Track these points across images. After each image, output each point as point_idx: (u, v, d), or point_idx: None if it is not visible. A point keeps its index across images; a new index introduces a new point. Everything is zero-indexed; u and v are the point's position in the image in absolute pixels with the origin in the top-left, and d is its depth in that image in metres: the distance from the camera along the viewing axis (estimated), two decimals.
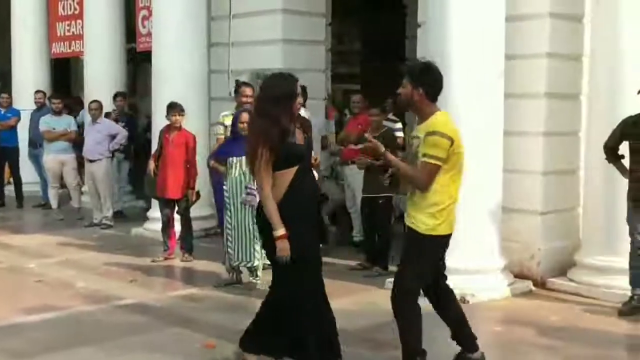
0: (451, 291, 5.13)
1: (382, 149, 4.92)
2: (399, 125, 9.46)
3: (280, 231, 4.67)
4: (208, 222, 9.87)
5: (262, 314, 5.05)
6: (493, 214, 7.09)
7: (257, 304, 6.50)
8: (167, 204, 8.66)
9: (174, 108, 8.56)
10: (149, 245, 9.55)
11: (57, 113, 11.47)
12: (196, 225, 9.62)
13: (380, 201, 8.12)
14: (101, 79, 12.20)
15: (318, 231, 5.28)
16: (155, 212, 10.09)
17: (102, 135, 10.70)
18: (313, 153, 5.56)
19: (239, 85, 8.40)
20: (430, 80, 4.78)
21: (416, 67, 4.93)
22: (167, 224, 8.70)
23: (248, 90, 8.04)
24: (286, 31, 10.03)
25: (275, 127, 4.71)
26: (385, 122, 8.72)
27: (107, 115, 11.18)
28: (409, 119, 10.00)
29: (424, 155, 4.64)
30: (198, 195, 8.65)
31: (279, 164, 4.73)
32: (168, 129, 8.63)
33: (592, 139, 7.24)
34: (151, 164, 8.73)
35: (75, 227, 10.90)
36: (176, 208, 8.65)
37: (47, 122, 11.42)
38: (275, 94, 4.84)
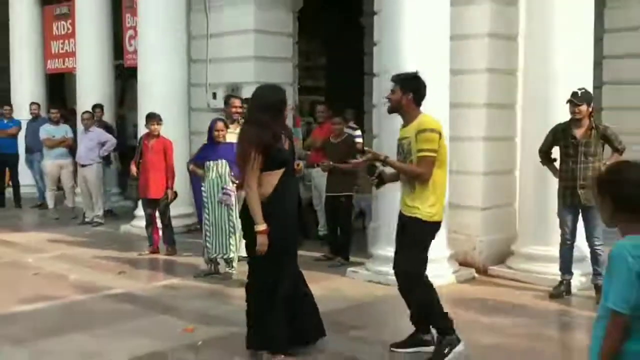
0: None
1: (382, 155, 5.01)
2: (359, 132, 9.52)
3: (262, 226, 4.70)
4: (189, 219, 9.83)
5: (252, 309, 5.02)
6: None
7: (232, 291, 6.62)
8: (149, 204, 8.64)
9: (152, 118, 8.55)
10: (136, 241, 9.47)
11: (56, 122, 11.48)
12: (178, 222, 9.60)
13: (342, 199, 8.15)
14: (92, 92, 12.06)
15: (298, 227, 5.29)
16: (141, 210, 10.04)
17: (94, 143, 10.67)
18: (296, 159, 5.58)
19: (229, 97, 8.38)
20: (417, 87, 4.93)
21: (405, 76, 5.05)
22: (150, 221, 8.68)
23: (237, 102, 7.99)
24: (258, 49, 10.02)
25: (267, 132, 4.75)
26: (346, 130, 8.76)
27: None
28: (368, 126, 10.07)
29: (420, 150, 4.74)
30: (175, 194, 8.61)
31: (268, 165, 4.76)
32: (147, 136, 8.62)
33: (526, 143, 7.34)
34: (133, 169, 8.79)
35: (69, 225, 10.80)
36: (158, 206, 8.61)
37: (48, 131, 11.41)
38: (266, 103, 4.88)
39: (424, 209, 4.80)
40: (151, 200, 8.58)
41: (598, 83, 9.43)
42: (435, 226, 4.91)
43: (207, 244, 7.30)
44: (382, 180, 5.15)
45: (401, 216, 5.00)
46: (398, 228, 5.06)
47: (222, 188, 7.13)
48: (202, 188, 7.30)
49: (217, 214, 7.20)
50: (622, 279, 2.43)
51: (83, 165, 10.71)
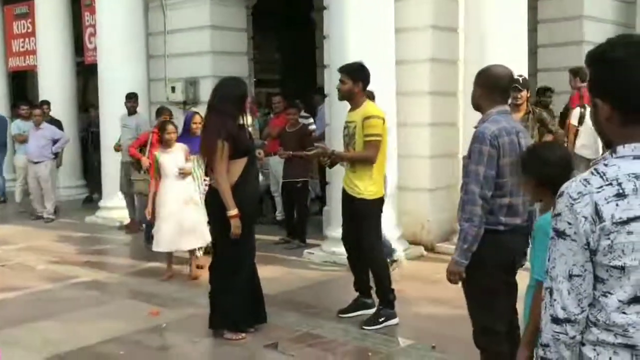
0: None
1: (329, 150, 5.35)
2: (311, 119, 9.52)
3: (234, 211, 4.75)
4: None
5: (215, 290, 5.04)
6: (390, 192, 7.20)
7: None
8: None
9: (163, 112, 8.07)
10: (101, 231, 9.38)
11: (26, 118, 10.95)
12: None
13: (298, 185, 8.17)
14: (53, 89, 11.82)
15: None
16: (106, 201, 9.92)
17: (46, 140, 10.25)
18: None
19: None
20: (365, 77, 5.19)
21: (354, 67, 5.25)
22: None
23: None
24: (214, 44, 9.96)
25: (232, 122, 4.78)
26: (300, 119, 8.76)
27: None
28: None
29: (367, 135, 5.02)
30: None
31: (234, 154, 4.80)
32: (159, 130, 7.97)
33: (467, 129, 7.40)
34: (145, 161, 7.91)
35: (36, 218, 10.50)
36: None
37: (19, 127, 11.02)
38: (230, 94, 4.92)
39: (367, 189, 5.09)
40: None
41: (533, 70, 9.61)
42: (379, 201, 5.20)
43: None
44: (333, 161, 5.41)
45: (346, 194, 5.25)
46: (344, 203, 5.30)
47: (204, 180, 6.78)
48: None
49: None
50: (545, 250, 2.51)
51: (35, 162, 10.21)
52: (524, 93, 6.48)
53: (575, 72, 8.09)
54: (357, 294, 5.48)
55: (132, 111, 9.16)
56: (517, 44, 7.21)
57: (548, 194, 2.60)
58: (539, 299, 2.52)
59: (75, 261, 7.67)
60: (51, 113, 11.09)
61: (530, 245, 2.69)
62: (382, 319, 5.15)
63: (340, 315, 5.38)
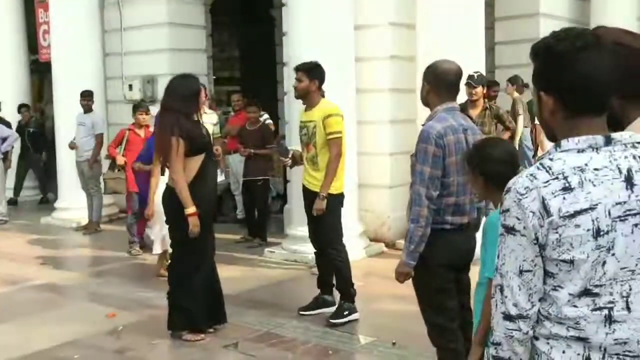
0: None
1: (302, 160, 5.33)
2: (266, 116, 9.44)
3: (192, 209, 4.70)
4: (110, 209, 9.61)
5: (174, 291, 4.98)
6: (351, 189, 7.20)
7: (153, 276, 6.50)
8: (141, 198, 7.60)
9: (140, 108, 7.87)
10: (56, 233, 9.19)
11: None
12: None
13: (259, 183, 8.12)
14: (7, 87, 11.54)
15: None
16: (61, 202, 9.72)
17: None
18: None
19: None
20: (321, 75, 5.26)
21: (310, 66, 5.29)
22: (140, 217, 7.61)
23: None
24: (172, 41, 9.84)
25: (186, 119, 4.73)
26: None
27: None
28: (282, 113, 10.05)
29: (330, 133, 5.11)
30: None
31: (189, 151, 4.75)
32: (135, 127, 7.85)
33: None
34: (120, 159, 7.78)
35: None
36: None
37: None
38: (183, 92, 4.86)
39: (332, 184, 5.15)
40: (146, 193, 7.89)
41: (491, 67, 9.74)
42: (341, 197, 5.29)
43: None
44: (295, 161, 5.49)
45: (307, 191, 5.26)
46: (306, 200, 5.30)
47: None
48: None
49: None
50: (496, 247, 2.54)
51: None
52: (480, 89, 6.56)
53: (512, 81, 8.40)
54: (318, 291, 5.48)
55: (87, 109, 8.98)
56: (474, 40, 7.28)
57: (494, 190, 2.62)
58: (490, 295, 2.59)
59: (30, 263, 7.50)
60: (3, 113, 10.80)
61: (481, 242, 2.70)
62: (346, 312, 5.19)
63: (301, 313, 5.39)
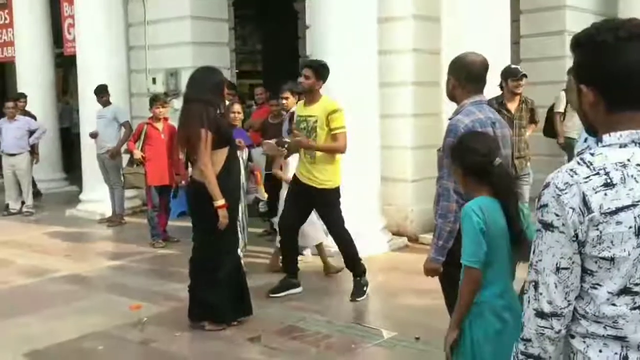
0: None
1: (306, 139, 5.41)
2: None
3: (222, 201, 4.72)
4: (133, 202, 9.66)
5: (196, 282, 4.98)
6: (374, 183, 7.19)
7: (176, 269, 6.51)
8: (161, 191, 7.76)
9: (157, 100, 7.80)
10: (81, 224, 9.25)
11: None
12: (125, 205, 9.44)
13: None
14: (33, 81, 11.65)
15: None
16: (87, 194, 9.78)
17: (22, 131, 9.98)
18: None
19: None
20: (327, 76, 5.50)
21: (320, 64, 5.54)
22: (160, 209, 7.81)
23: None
24: (195, 35, 9.83)
25: (212, 111, 4.71)
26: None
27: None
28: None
29: (336, 128, 5.35)
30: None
31: (216, 143, 4.73)
32: (153, 120, 7.76)
33: None
34: (137, 153, 7.70)
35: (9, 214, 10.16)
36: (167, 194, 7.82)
37: None
38: (208, 83, 4.85)
39: (329, 178, 5.45)
40: (164, 187, 7.73)
41: (516, 61, 9.60)
42: (339, 189, 5.57)
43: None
44: (289, 151, 5.76)
45: (302, 184, 5.48)
46: (297, 192, 5.51)
47: (248, 178, 6.39)
48: None
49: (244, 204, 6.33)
50: (470, 236, 2.57)
51: (11, 155, 9.94)
52: (524, 82, 6.47)
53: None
54: (344, 282, 5.59)
55: (104, 104, 9.02)
56: (500, 33, 7.18)
57: (472, 181, 2.70)
58: (465, 282, 2.61)
59: (55, 255, 7.55)
60: (29, 105, 10.86)
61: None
62: (365, 287, 5.62)
63: (271, 295, 5.64)
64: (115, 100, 9.25)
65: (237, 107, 6.72)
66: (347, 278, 6.11)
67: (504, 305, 2.62)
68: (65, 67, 14.05)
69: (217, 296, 4.88)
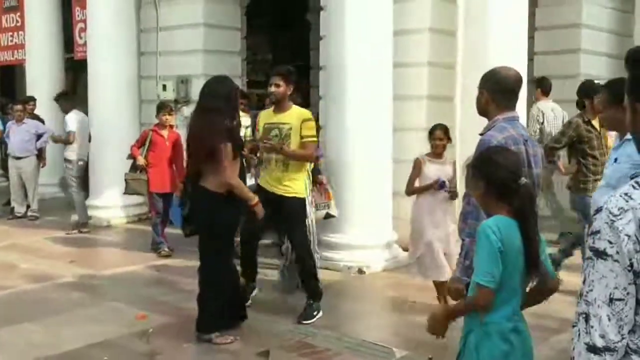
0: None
1: (279, 146, 5.32)
2: None
3: (256, 197, 4.89)
4: (140, 209, 9.59)
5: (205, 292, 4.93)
6: (385, 197, 7.11)
7: (181, 279, 6.43)
8: (165, 198, 7.69)
9: (163, 108, 7.78)
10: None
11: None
12: (131, 211, 9.38)
13: None
14: (41, 84, 11.60)
15: None
16: (94, 200, 9.71)
17: (30, 134, 9.95)
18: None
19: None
20: (296, 81, 5.55)
21: (290, 71, 5.51)
22: (164, 217, 7.75)
23: None
24: (206, 43, 9.79)
25: (230, 121, 4.70)
26: None
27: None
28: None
29: (307, 136, 5.34)
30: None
31: (233, 153, 4.73)
32: (159, 127, 7.76)
33: (463, 134, 7.32)
34: (141, 160, 7.66)
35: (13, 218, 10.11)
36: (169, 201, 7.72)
37: None
38: (224, 93, 4.84)
39: (299, 187, 5.37)
40: (167, 194, 7.67)
41: (531, 77, 9.54)
42: (305, 202, 5.48)
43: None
44: (273, 149, 5.52)
45: (271, 194, 5.31)
46: (270, 207, 5.17)
47: (311, 190, 6.01)
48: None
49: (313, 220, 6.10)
50: (487, 254, 2.51)
51: (18, 158, 9.91)
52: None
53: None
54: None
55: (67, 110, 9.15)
56: (516, 49, 7.11)
57: (493, 198, 2.62)
58: (477, 300, 2.57)
59: (59, 260, 7.48)
60: (38, 108, 10.81)
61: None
62: (316, 312, 5.37)
63: (303, 322, 5.33)
64: (125, 106, 9.24)
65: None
66: (359, 294, 6.04)
67: (512, 328, 2.58)
68: (74, 71, 14.02)
69: (221, 303, 4.88)
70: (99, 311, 5.71)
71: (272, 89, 5.38)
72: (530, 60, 9.33)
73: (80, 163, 9.14)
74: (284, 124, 5.36)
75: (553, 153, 6.58)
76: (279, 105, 5.42)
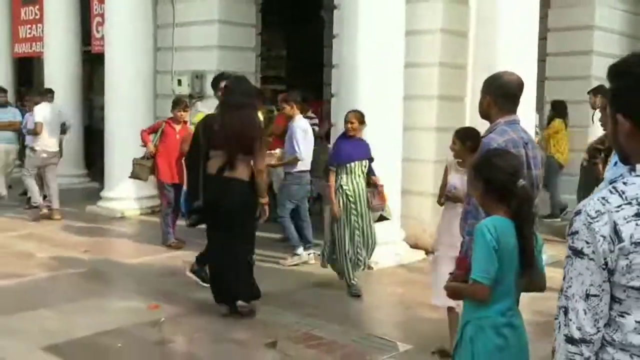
0: None
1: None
2: (316, 120, 9.52)
3: (267, 198, 5.52)
4: (153, 201, 9.75)
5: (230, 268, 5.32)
6: (394, 195, 7.19)
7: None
8: (175, 189, 7.82)
9: (179, 104, 7.94)
10: (101, 221, 9.36)
11: (2, 106, 10.50)
12: (144, 203, 9.53)
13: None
14: (59, 76, 11.79)
15: None
16: (108, 192, 9.88)
17: None
18: None
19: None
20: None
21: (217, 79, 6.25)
22: (175, 207, 7.89)
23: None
24: (221, 39, 9.93)
25: (258, 117, 5.11)
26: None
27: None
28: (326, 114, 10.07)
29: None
30: None
31: None
32: (172, 121, 7.92)
33: None
34: (151, 146, 7.84)
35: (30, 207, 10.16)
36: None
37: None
38: (252, 91, 5.38)
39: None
40: (177, 185, 7.79)
41: (542, 78, 9.60)
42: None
43: (358, 252, 6.08)
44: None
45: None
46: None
47: (370, 192, 6.05)
48: (347, 191, 5.97)
49: (366, 220, 6.06)
50: (483, 252, 2.62)
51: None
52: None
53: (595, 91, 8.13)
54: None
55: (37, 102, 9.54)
56: (527, 51, 7.17)
57: (492, 198, 2.73)
58: (473, 295, 2.69)
59: (73, 250, 7.64)
60: (55, 101, 10.96)
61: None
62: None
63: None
64: (141, 101, 9.42)
65: (354, 115, 6.18)
66: (366, 289, 6.15)
67: (505, 322, 2.69)
68: (91, 64, 14.21)
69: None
70: (111, 300, 5.88)
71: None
72: (542, 61, 9.39)
73: (44, 155, 9.40)
74: None
75: (595, 154, 6.67)
76: None
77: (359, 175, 5.99)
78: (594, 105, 8.37)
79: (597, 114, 8.29)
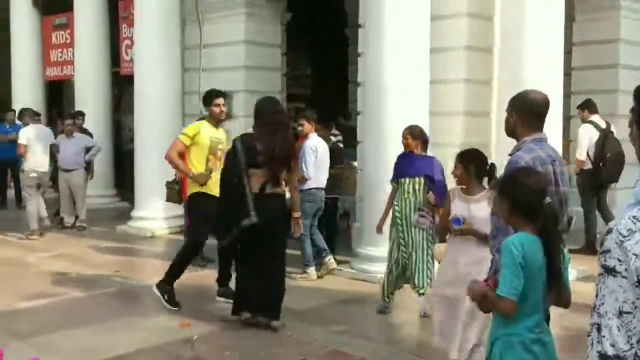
0: None
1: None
2: (340, 137, 9.59)
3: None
4: (181, 220, 9.83)
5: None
6: None
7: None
8: None
9: None
10: (132, 240, 9.48)
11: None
12: (172, 223, 9.64)
13: (328, 201, 8.16)
14: (90, 99, 12.05)
15: None
16: (139, 211, 10.01)
17: (79, 148, 10.31)
18: None
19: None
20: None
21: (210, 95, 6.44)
22: None
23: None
24: (248, 59, 10.09)
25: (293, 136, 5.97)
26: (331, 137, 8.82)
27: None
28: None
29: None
30: None
31: None
32: None
33: (499, 149, 7.39)
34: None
35: (65, 227, 10.49)
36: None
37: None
38: (283, 110, 5.93)
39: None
40: None
41: (567, 92, 9.56)
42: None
43: (399, 270, 5.89)
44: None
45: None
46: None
47: (419, 209, 5.75)
48: (396, 207, 5.88)
49: (416, 239, 5.77)
50: (510, 268, 2.63)
51: (67, 170, 10.26)
52: None
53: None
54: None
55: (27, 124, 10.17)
56: (553, 66, 7.18)
57: (517, 216, 2.75)
58: (500, 311, 2.69)
59: (106, 269, 7.76)
60: (85, 123, 11.20)
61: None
62: (164, 295, 6.13)
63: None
64: (168, 120, 9.58)
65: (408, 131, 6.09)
66: (394, 305, 6.13)
67: (534, 338, 2.69)
68: (120, 85, 14.47)
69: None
70: (143, 319, 5.94)
71: (224, 109, 6.49)
72: (568, 75, 9.36)
73: (33, 175, 9.64)
74: (220, 139, 6.38)
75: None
76: (221, 124, 6.56)
77: (409, 192, 5.79)
78: (583, 119, 8.53)
79: (583, 127, 8.41)
